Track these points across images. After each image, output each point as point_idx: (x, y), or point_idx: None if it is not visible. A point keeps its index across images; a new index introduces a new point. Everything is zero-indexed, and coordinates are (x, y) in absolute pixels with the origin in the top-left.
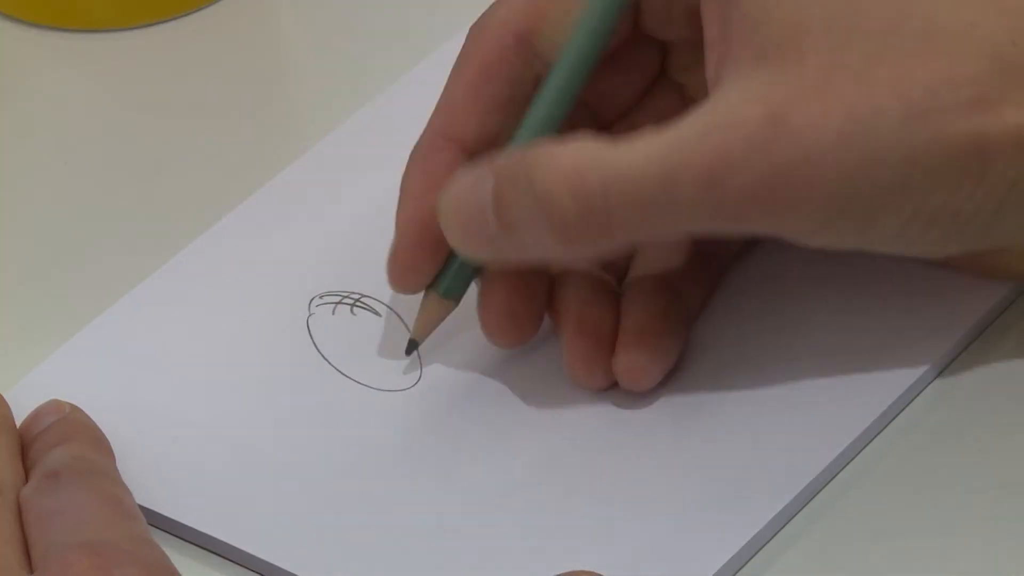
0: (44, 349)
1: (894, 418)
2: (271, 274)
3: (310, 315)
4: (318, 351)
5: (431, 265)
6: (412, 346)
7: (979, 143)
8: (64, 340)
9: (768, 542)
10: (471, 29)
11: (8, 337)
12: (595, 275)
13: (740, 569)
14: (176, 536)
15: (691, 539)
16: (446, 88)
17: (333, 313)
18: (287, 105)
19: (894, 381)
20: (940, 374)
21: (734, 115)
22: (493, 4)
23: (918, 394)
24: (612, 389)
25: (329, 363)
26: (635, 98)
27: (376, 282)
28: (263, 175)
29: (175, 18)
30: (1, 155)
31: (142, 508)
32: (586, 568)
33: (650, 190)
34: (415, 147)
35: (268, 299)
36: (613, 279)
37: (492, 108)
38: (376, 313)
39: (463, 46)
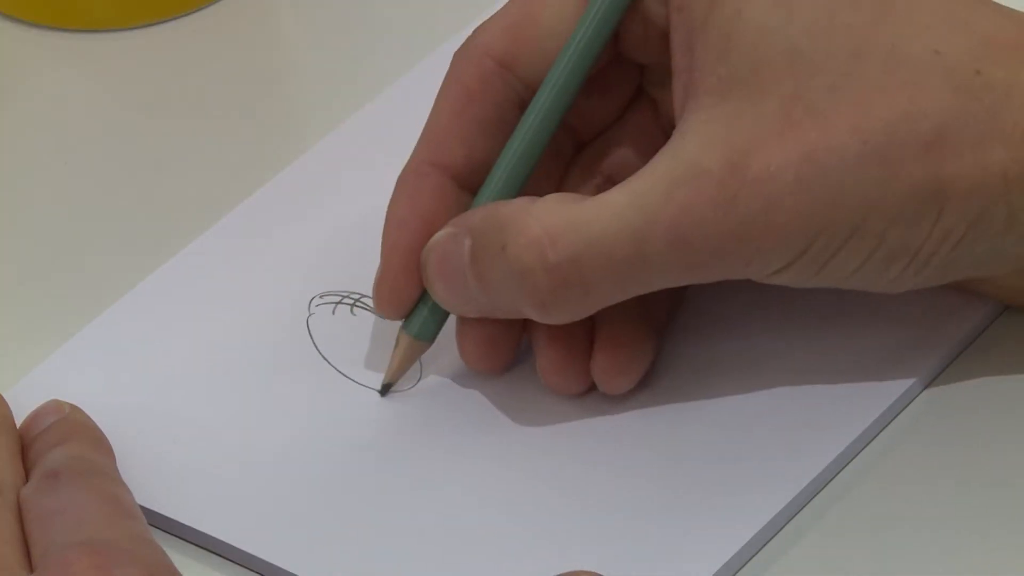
0: (44, 349)
1: (894, 419)
2: (271, 274)
3: (310, 315)
4: (318, 351)
5: (416, 291)
6: (385, 389)
7: (936, 185)
8: (64, 340)
9: (768, 542)
10: (454, 55)
11: (8, 337)
12: None
13: (740, 569)
14: (176, 536)
15: (691, 539)
16: (431, 114)
17: (333, 313)
18: (287, 105)
19: (889, 387)
20: (928, 386)
21: (696, 166)
22: (475, 30)
23: (909, 403)
24: (593, 393)
25: (329, 363)
26: (614, 116)
27: None
28: (263, 175)
29: (175, 18)
30: (1, 155)
31: (142, 508)
32: (586, 568)
33: (621, 254)
34: (401, 173)
35: (268, 299)
36: None
37: (477, 132)
38: (376, 313)
39: (447, 72)
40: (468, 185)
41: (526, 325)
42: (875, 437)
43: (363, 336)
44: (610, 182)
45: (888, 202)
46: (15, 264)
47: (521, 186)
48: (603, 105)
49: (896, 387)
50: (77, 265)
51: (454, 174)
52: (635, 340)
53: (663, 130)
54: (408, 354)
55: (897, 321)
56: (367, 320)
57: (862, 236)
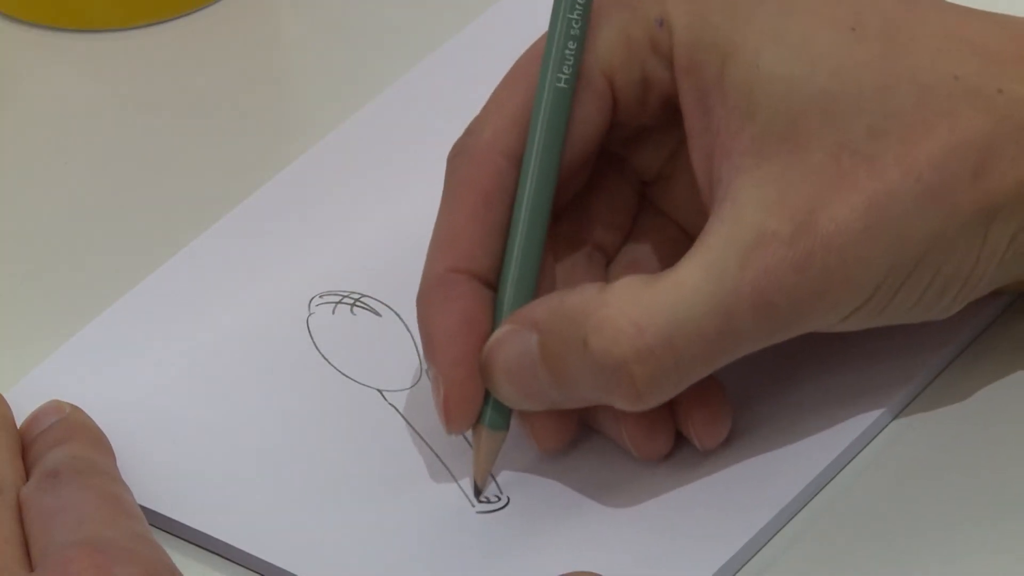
0: (44, 349)
1: (894, 418)
2: (271, 274)
3: (310, 315)
4: (318, 351)
5: (482, 397)
6: (478, 492)
7: (984, 208)
8: (64, 340)
9: (767, 543)
10: (453, 156)
11: (8, 337)
12: None
13: (740, 569)
14: (176, 536)
15: (691, 539)
16: (442, 221)
17: (333, 313)
18: (287, 105)
19: (895, 381)
20: (930, 383)
21: (763, 229)
22: (470, 126)
23: (915, 397)
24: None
25: (329, 363)
26: (583, 181)
27: (376, 282)
28: (263, 175)
29: (175, 18)
30: (1, 155)
31: (142, 508)
32: (586, 569)
33: (711, 329)
34: (423, 286)
35: (268, 299)
36: None
37: (498, 235)
38: (376, 313)
39: (449, 175)
40: (493, 284)
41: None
42: (883, 429)
43: (363, 336)
44: (599, 251)
45: (948, 234)
46: (15, 264)
47: (536, 273)
48: (578, 174)
49: (903, 380)
50: (77, 265)
51: (481, 278)
52: (717, 390)
53: (633, 187)
54: (491, 448)
55: (866, 352)
56: (367, 320)
57: (922, 271)
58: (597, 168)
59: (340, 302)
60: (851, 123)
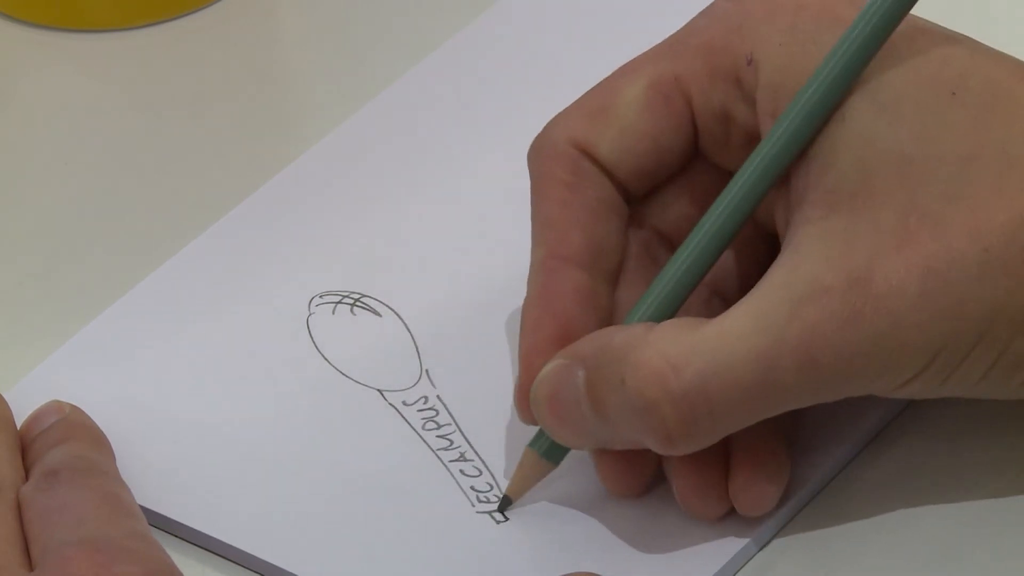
0: (44, 349)
1: (894, 418)
2: (271, 274)
3: (310, 315)
4: (318, 351)
5: None
6: (506, 503)
7: None
8: (64, 340)
9: (769, 542)
10: (531, 154)
11: (8, 337)
12: None
13: (740, 569)
14: (176, 536)
15: (691, 540)
16: (537, 214)
17: (333, 313)
18: (287, 105)
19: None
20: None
21: (817, 283)
22: (547, 125)
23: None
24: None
25: (329, 363)
26: (670, 176)
27: (376, 282)
28: (263, 175)
29: (175, 18)
30: (1, 155)
31: (142, 508)
32: (586, 569)
33: (749, 379)
34: (532, 273)
35: (268, 299)
36: None
37: (588, 218)
38: (376, 313)
39: (532, 171)
40: (595, 272)
41: None
42: (887, 425)
43: (363, 336)
44: (667, 242)
45: (1013, 309)
46: (15, 264)
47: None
48: (640, 177)
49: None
50: (77, 265)
51: (579, 262)
52: (772, 455)
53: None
54: (532, 474)
55: None
56: (367, 320)
57: (987, 345)
58: (690, 169)
59: (340, 302)
60: (926, 186)
